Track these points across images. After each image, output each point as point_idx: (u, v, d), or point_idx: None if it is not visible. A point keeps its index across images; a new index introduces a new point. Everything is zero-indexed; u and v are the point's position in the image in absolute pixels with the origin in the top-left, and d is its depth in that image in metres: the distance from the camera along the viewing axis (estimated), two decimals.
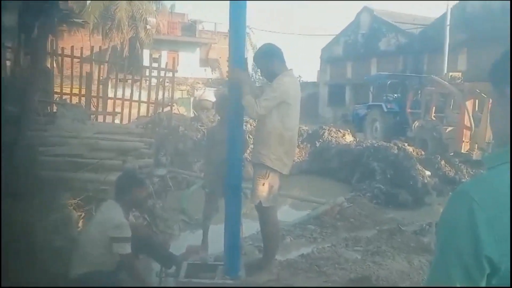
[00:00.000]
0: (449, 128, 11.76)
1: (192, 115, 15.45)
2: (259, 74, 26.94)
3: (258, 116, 3.29)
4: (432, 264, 1.16)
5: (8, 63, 7.98)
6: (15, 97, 7.26)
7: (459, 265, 1.05)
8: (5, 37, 7.95)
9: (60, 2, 9.02)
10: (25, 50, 7.93)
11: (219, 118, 4.78)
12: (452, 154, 10.71)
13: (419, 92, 14.40)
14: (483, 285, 1.04)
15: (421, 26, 22.86)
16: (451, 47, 17.70)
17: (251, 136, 8.70)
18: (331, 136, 11.04)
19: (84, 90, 8.67)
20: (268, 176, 3.31)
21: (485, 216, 1.01)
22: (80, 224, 4.29)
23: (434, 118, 12.66)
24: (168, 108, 9.84)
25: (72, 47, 8.76)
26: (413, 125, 12.98)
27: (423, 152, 10.11)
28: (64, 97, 8.89)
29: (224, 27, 31.71)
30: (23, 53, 7.92)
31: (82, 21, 13.65)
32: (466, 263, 1.04)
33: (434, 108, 12.70)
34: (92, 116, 8.13)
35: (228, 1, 3.24)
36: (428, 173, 8.61)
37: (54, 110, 7.42)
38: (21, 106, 5.21)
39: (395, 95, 15.95)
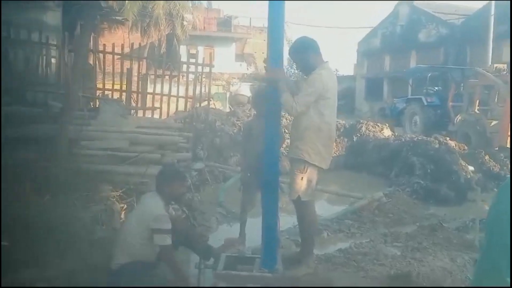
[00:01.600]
0: (494, 122, 11.29)
1: (228, 110, 15.56)
2: (294, 68, 26.88)
3: (296, 113, 3.25)
4: (480, 256, 1.13)
5: (53, 60, 8.31)
6: (59, 93, 7.57)
7: (507, 257, 1.02)
8: (50, 35, 8.29)
9: (101, 1, 9.29)
10: (69, 47, 8.23)
11: (255, 113, 4.79)
12: (496, 148, 10.27)
13: (462, 84, 13.91)
14: None
15: (463, 16, 22.00)
16: (495, 38, 16.95)
17: (287, 131, 8.70)
18: (369, 131, 10.84)
19: (124, 86, 8.90)
20: (307, 171, 3.29)
21: None
22: (122, 215, 4.41)
23: (477, 112, 12.19)
24: (205, 103, 9.95)
25: (113, 44, 9.00)
26: (455, 119, 12.57)
27: (466, 147, 9.77)
28: (106, 92, 9.16)
29: (259, 21, 31.75)
30: (67, 50, 8.22)
31: (122, 19, 14.01)
32: None
33: (477, 101, 12.24)
34: (132, 111, 8.34)
35: (267, 0, 3.25)
36: (471, 168, 8.31)
37: (97, 106, 7.66)
38: (65, 102, 5.40)
39: (436, 88, 15.47)
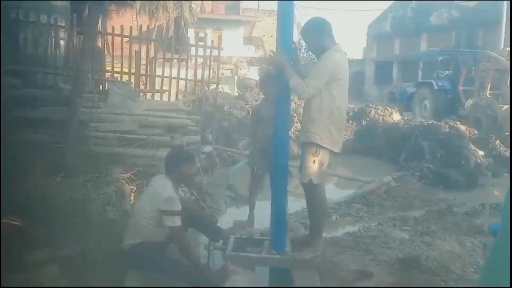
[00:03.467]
0: (505, 106, 11.14)
1: (236, 93, 15.50)
2: (303, 52, 26.56)
3: (309, 96, 3.22)
4: (496, 242, 1.13)
5: (61, 42, 8.30)
6: (68, 75, 7.59)
7: None
8: (58, 17, 8.27)
9: None
10: (77, 29, 8.21)
11: (263, 96, 4.77)
12: (507, 133, 10.16)
13: (473, 68, 13.69)
14: None
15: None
16: (508, 21, 16.59)
17: (295, 115, 8.66)
18: (378, 115, 10.78)
19: (133, 68, 8.89)
20: (319, 154, 3.27)
21: None
22: (132, 197, 4.45)
23: (489, 96, 12.04)
24: (214, 86, 9.92)
25: (122, 26, 8.96)
26: (466, 103, 12.42)
27: (476, 132, 9.68)
28: (115, 75, 9.17)
29: (268, 4, 31.35)
30: (76, 32, 8.20)
31: (131, 1, 13.91)
32: None
33: (489, 85, 12.06)
34: (141, 93, 8.34)
35: None
36: (481, 153, 8.25)
37: (106, 88, 7.67)
38: (74, 84, 5.41)
39: (447, 72, 15.24)
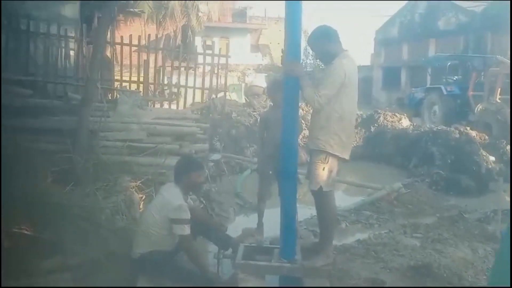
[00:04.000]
0: None
1: (244, 101, 15.53)
2: (310, 59, 26.58)
3: (321, 106, 3.21)
4: (501, 246, 1.15)
5: (71, 52, 8.39)
6: (78, 84, 7.66)
7: None
8: (68, 28, 8.37)
9: None
10: (87, 39, 8.30)
11: (270, 104, 4.77)
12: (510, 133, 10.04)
13: (482, 73, 13.59)
14: None
15: (483, 3, 21.43)
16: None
17: (303, 121, 8.64)
18: (387, 121, 10.73)
19: (141, 77, 8.95)
20: (328, 161, 3.25)
21: None
22: (141, 206, 4.45)
23: (499, 101, 11.91)
24: (222, 94, 9.95)
25: (130, 35, 9.05)
26: (476, 108, 12.31)
27: (486, 137, 9.58)
28: (123, 84, 9.23)
29: (274, 12, 31.47)
30: (85, 43, 8.29)
31: (138, 11, 14.05)
32: None
33: (499, 90, 11.95)
34: (149, 102, 8.39)
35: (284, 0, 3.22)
36: (492, 158, 8.16)
37: (115, 97, 7.72)
38: (84, 93, 5.45)
39: (456, 77, 15.14)
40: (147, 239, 3.34)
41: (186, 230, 3.28)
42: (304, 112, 9.47)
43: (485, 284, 3.59)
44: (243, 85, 19.85)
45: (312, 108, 3.41)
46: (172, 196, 3.35)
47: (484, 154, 8.08)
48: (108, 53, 9.17)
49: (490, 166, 7.79)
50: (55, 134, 5.18)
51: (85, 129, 5.02)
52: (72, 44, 8.55)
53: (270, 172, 4.17)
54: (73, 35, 8.52)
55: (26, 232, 3.35)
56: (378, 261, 3.98)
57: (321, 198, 3.34)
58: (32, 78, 6.97)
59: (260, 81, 18.95)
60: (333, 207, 3.49)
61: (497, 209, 5.17)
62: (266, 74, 22.22)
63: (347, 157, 3.36)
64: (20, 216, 3.50)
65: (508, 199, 6.58)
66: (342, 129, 3.26)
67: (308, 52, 23.94)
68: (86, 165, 4.75)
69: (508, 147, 8.89)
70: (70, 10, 9.07)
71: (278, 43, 28.08)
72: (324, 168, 3.25)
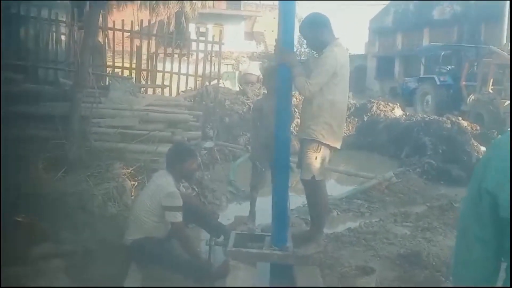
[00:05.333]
0: (507, 102, 11.09)
1: (237, 88, 15.47)
2: (305, 47, 26.45)
3: (312, 94, 3.20)
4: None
5: (62, 37, 8.28)
6: (69, 70, 7.58)
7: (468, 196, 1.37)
8: (59, 12, 8.24)
9: None
10: (78, 24, 8.18)
11: (264, 92, 4.75)
12: (510, 129, 10.14)
13: (475, 63, 13.64)
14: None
15: None
16: (511, 16, 16.50)
17: (296, 110, 8.63)
18: (380, 110, 10.76)
19: (134, 64, 8.87)
20: (320, 150, 3.26)
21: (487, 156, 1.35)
22: (133, 193, 4.45)
23: (491, 91, 11.99)
24: (215, 81, 9.90)
25: (123, 21, 8.93)
26: (468, 98, 12.39)
27: (478, 127, 9.66)
28: (116, 70, 9.14)
29: None
30: (77, 27, 8.18)
31: None
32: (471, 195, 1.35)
33: (491, 80, 12.02)
34: (142, 89, 8.33)
35: None
36: (483, 148, 8.21)
37: (107, 83, 7.66)
38: (75, 79, 5.40)
39: (449, 67, 15.21)
40: (139, 226, 3.35)
41: (178, 217, 3.28)
42: (298, 100, 9.45)
43: None
44: (236, 72, 19.76)
45: (303, 96, 3.41)
46: (164, 183, 3.35)
47: (476, 144, 8.14)
48: (100, 39, 9.05)
49: (481, 156, 7.85)
50: (47, 120, 5.14)
51: (77, 115, 4.98)
52: (63, 29, 8.43)
53: (264, 160, 4.17)
54: (64, 19, 8.40)
55: (18, 219, 3.34)
56: (368, 249, 4.02)
57: (313, 187, 3.35)
58: (23, 63, 6.87)
59: (254, 69, 18.83)
60: (325, 196, 3.51)
61: None
62: (260, 62, 22.10)
63: (338, 146, 3.37)
64: (11, 203, 3.49)
65: None
66: (334, 118, 3.27)
67: (303, 41, 23.86)
68: (78, 151, 4.72)
69: (500, 137, 8.97)
70: None
71: (273, 31, 27.86)
72: (316, 157, 3.25)
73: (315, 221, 3.53)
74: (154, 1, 22.81)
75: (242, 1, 31.15)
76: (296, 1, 3.33)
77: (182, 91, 9.36)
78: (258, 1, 32.45)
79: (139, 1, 20.68)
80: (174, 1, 22.25)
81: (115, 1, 13.14)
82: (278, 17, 3.30)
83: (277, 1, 3.28)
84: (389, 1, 26.73)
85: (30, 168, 4.23)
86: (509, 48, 11.99)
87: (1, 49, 5.90)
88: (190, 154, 3.60)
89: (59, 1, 8.77)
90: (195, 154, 3.73)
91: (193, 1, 23.57)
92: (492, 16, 17.98)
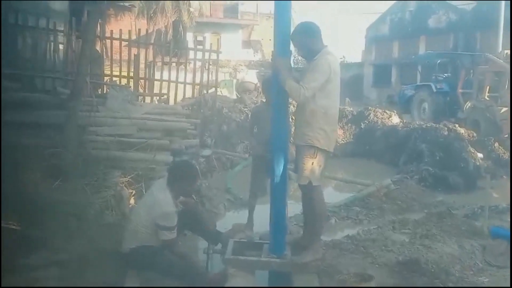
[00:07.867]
0: (504, 109, 11.12)
1: (235, 97, 15.50)
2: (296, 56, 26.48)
3: (305, 99, 3.24)
4: None
5: (60, 46, 8.29)
6: (67, 79, 7.58)
7: None
8: (57, 21, 8.27)
9: None
10: (76, 34, 8.20)
11: (263, 100, 4.76)
12: (506, 136, 10.16)
13: (472, 71, 13.72)
14: None
15: (473, 2, 21.60)
16: (506, 24, 16.64)
17: (293, 118, 8.66)
18: (377, 118, 10.79)
19: (132, 72, 8.87)
20: (316, 155, 3.30)
21: None
22: (131, 201, 4.44)
23: (487, 99, 12.04)
24: (213, 89, 9.92)
25: (121, 30, 8.96)
26: (465, 105, 12.43)
27: (475, 134, 9.69)
28: (113, 79, 9.15)
29: (266, 7, 31.42)
30: (75, 37, 8.20)
31: (129, 5, 13.91)
32: None
33: (488, 88, 12.07)
34: (140, 97, 8.34)
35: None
36: (480, 155, 8.25)
37: (105, 92, 7.66)
38: (73, 88, 5.40)
39: (445, 74, 15.28)
40: (135, 236, 3.34)
41: (171, 235, 3.29)
42: (295, 108, 9.48)
43: (471, 279, 3.64)
44: (234, 81, 19.80)
45: (296, 102, 3.44)
46: (162, 201, 3.31)
47: (472, 151, 8.17)
48: (98, 48, 9.07)
49: (478, 163, 7.88)
50: (44, 128, 5.13)
51: (74, 123, 4.98)
52: (61, 38, 8.45)
53: (263, 168, 4.16)
54: (62, 29, 8.42)
55: (14, 227, 3.32)
56: (366, 257, 4.01)
57: (310, 192, 3.37)
58: (20, 72, 6.87)
59: (252, 77, 18.89)
60: (322, 202, 3.51)
61: (484, 206, 5.23)
62: (257, 70, 22.16)
63: (331, 149, 3.44)
64: (8, 211, 3.47)
65: (496, 195, 6.68)
66: (327, 124, 3.33)
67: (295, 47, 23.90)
68: (76, 160, 4.71)
69: (496, 144, 8.99)
70: (59, 4, 8.96)
71: (270, 39, 27.95)
72: (313, 162, 3.29)
73: (312, 227, 3.53)
74: (152, 11, 22.94)
75: (239, 10, 31.29)
76: (293, 10, 3.37)
77: (181, 100, 9.37)
78: (255, 10, 32.59)
79: (136, 10, 20.79)
80: (171, 5, 22.34)
81: (113, 10, 13.19)
82: (273, 23, 3.34)
83: (274, 1, 3.31)
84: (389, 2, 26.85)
85: (27, 177, 4.21)
86: (504, 55, 12.05)
87: (0, 58, 5.90)
88: (193, 175, 3.59)
89: (57, 9, 8.79)
90: (197, 175, 3.72)
91: (191, 9, 23.67)
92: (488, 24, 18.13)
